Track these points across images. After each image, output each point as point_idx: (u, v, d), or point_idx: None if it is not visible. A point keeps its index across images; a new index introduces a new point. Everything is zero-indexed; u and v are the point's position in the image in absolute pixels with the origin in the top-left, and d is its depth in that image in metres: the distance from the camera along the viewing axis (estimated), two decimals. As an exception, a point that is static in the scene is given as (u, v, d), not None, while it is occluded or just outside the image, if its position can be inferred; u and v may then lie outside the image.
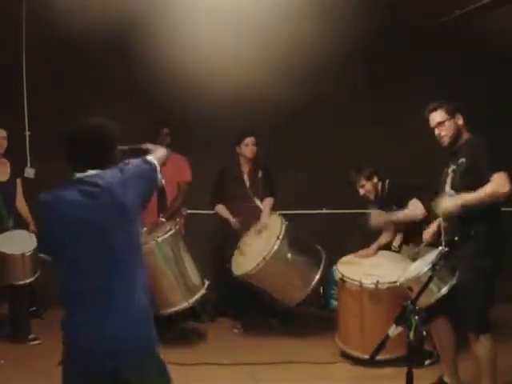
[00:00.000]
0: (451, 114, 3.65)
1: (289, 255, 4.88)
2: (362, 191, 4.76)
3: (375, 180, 4.75)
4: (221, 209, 5.39)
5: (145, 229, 4.76)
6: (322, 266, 5.00)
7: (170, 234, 4.69)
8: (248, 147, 5.31)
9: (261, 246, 4.94)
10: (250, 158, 5.34)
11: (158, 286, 4.60)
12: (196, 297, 4.78)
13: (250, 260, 4.93)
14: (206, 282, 4.87)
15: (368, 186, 4.73)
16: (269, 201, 5.34)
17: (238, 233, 5.25)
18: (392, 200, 4.67)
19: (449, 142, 3.67)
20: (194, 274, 4.83)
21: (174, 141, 5.27)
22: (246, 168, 5.41)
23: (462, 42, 5.50)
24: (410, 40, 5.51)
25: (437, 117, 3.67)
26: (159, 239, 4.64)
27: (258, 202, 5.36)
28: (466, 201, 3.45)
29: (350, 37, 5.55)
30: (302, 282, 4.98)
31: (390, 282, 4.37)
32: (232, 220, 5.30)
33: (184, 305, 4.75)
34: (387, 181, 4.75)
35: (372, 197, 4.77)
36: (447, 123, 3.65)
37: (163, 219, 5.07)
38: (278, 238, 4.84)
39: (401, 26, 5.49)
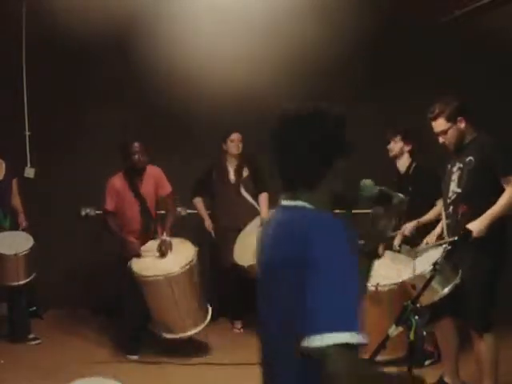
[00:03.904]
0: (453, 120, 3.57)
1: None
2: (389, 145, 4.66)
3: (406, 147, 4.63)
4: (198, 203, 5.41)
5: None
6: None
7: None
8: (233, 143, 5.27)
9: None
10: (235, 154, 5.30)
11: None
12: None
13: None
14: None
15: (396, 147, 4.63)
16: (264, 196, 5.32)
17: (227, 230, 5.20)
18: (411, 183, 4.53)
19: (454, 147, 3.64)
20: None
21: (148, 157, 4.86)
22: (232, 165, 5.38)
23: (462, 42, 5.49)
24: (410, 40, 5.51)
25: (438, 126, 3.60)
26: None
27: (249, 198, 5.34)
28: (493, 216, 3.44)
29: (350, 37, 5.54)
30: None
31: (391, 284, 4.36)
32: (207, 220, 5.35)
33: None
34: (414, 164, 4.63)
35: (395, 157, 4.66)
36: (450, 131, 3.58)
37: (167, 238, 4.76)
38: None
39: (401, 26, 5.48)
